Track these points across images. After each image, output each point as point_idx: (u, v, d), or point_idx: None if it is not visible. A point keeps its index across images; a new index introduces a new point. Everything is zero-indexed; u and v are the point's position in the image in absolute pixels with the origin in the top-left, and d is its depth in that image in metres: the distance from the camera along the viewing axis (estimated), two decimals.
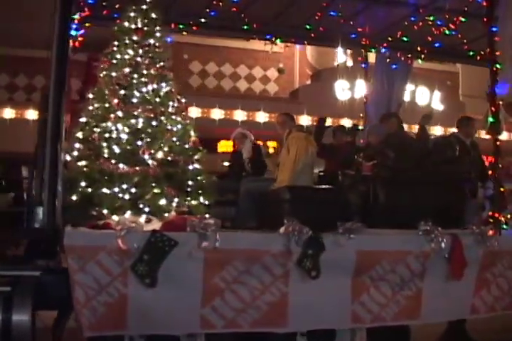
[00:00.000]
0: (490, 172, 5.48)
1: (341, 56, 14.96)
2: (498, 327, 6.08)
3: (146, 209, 4.77)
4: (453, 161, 5.80)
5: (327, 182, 5.94)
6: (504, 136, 16.43)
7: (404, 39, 6.79)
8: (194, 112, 13.94)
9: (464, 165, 5.93)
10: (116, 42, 5.09)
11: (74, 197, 4.71)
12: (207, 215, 4.92)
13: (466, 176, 5.65)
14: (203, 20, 5.92)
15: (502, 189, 5.54)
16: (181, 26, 6.02)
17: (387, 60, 7.23)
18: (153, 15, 5.17)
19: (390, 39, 6.95)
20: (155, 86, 4.91)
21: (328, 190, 5.59)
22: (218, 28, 6.30)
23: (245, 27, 6.16)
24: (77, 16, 5.33)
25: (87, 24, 5.41)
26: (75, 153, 4.82)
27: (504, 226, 5.58)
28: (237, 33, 6.58)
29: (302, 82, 17.96)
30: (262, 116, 14.41)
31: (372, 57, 7.71)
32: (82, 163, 4.76)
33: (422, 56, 6.91)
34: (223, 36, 7.35)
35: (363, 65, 7.59)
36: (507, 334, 5.97)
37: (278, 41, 6.39)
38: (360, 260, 4.95)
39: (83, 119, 4.95)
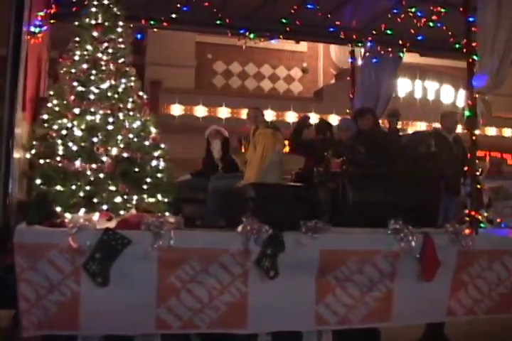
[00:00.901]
0: (466, 168, 5.25)
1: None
2: (480, 331, 5.84)
3: (104, 207, 4.69)
4: (427, 157, 5.56)
5: (303, 180, 5.79)
6: (508, 132, 16.06)
7: (388, 32, 6.59)
8: (223, 112, 13.89)
9: (439, 161, 5.69)
10: (77, 39, 5.02)
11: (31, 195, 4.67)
12: (167, 213, 4.81)
13: (441, 173, 5.41)
14: (174, 15, 5.83)
15: (479, 186, 5.31)
16: (152, 22, 5.95)
17: (368, 54, 6.99)
18: (115, 11, 5.07)
19: (374, 32, 6.75)
20: (113, 82, 4.82)
21: (296, 187, 5.44)
22: (190, 24, 6.20)
23: (218, 22, 6.05)
24: (42, 13, 5.29)
25: (51, 21, 5.37)
26: (34, 151, 4.77)
27: (482, 225, 5.34)
28: (210, 29, 6.47)
29: (326, 81, 17.76)
30: (291, 116, 14.17)
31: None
32: (41, 160, 4.71)
33: (404, 49, 6.68)
34: (196, 31, 7.20)
35: (350, 60, 7.40)
36: (488, 338, 5.74)
37: (252, 36, 6.26)
38: (324, 260, 4.79)
39: (45, 116, 4.91)
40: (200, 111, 13.50)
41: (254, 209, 5.07)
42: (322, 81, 17.90)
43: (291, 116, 14.22)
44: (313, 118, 14.33)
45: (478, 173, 5.54)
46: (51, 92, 4.97)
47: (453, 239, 5.09)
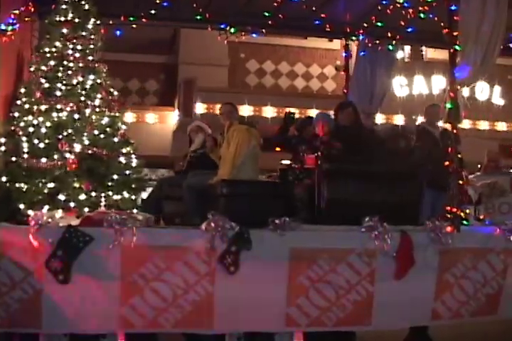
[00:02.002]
0: (447, 163, 5.03)
1: (399, 52, 14.50)
2: (466, 334, 5.60)
3: (72, 204, 4.66)
4: (407, 152, 5.34)
5: (286, 177, 5.65)
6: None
7: (379, 24, 6.39)
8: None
9: (421, 157, 5.45)
10: (47, 36, 5.01)
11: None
12: (134, 210, 4.76)
13: (422, 168, 5.18)
14: (152, 11, 5.77)
15: (461, 182, 5.08)
16: (132, 19, 5.90)
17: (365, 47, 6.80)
18: (87, 7, 5.04)
19: (365, 25, 6.56)
20: (81, 79, 4.78)
21: (269, 184, 5.30)
22: (170, 19, 6.13)
23: (198, 17, 5.95)
24: (16, 12, 5.30)
25: (26, 19, 5.37)
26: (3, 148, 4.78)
27: (464, 222, 5.11)
28: (190, 24, 6.38)
29: None
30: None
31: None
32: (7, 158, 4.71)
33: (394, 42, 6.47)
34: (176, 26, 7.11)
35: (344, 54, 7.21)
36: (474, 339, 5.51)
37: (232, 30, 6.14)
38: (294, 258, 4.64)
39: (16, 114, 4.91)
40: None
41: (225, 206, 4.97)
42: None
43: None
44: None
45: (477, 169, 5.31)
46: (22, 90, 4.96)
47: (433, 237, 4.88)
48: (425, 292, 4.94)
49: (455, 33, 5.10)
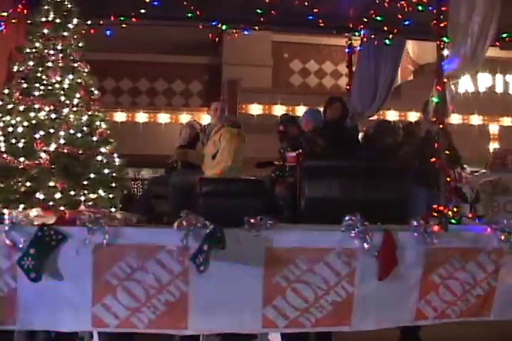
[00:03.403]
0: (433, 159, 4.83)
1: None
2: (458, 336, 5.39)
3: (51, 203, 4.69)
4: (395, 149, 5.14)
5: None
6: None
7: (378, 19, 6.22)
8: (302, 111, 13.72)
9: (405, 153, 5.25)
10: (30, 37, 5.06)
11: None
12: (113, 209, 4.76)
13: (411, 166, 4.99)
14: (142, 11, 5.76)
15: (448, 179, 4.88)
16: (122, 18, 5.90)
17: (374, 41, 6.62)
18: (68, 8, 5.07)
19: (365, 20, 6.40)
20: (59, 78, 4.80)
21: (251, 182, 5.18)
22: (161, 18, 6.10)
23: (189, 15, 5.91)
24: (4, 14, 5.37)
25: (13, 20, 5.44)
26: None
27: (452, 221, 4.90)
28: (181, 22, 6.34)
29: (404, 77, 17.19)
30: None
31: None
32: None
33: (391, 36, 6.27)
34: (166, 26, 7.09)
35: (347, 50, 7.04)
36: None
37: (224, 27, 6.06)
38: (270, 258, 4.55)
39: None
40: (279, 110, 13.37)
41: (205, 205, 4.91)
42: (400, 78, 17.35)
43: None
44: (392, 115, 14.02)
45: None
46: (6, 90, 5.02)
47: (418, 236, 4.71)
48: (409, 292, 4.77)
49: (442, 24, 4.90)
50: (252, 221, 4.51)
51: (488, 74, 14.04)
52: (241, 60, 13.79)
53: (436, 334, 5.26)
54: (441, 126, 4.81)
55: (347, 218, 4.61)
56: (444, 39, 4.92)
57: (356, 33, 6.91)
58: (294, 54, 15.62)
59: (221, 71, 14.14)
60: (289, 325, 4.60)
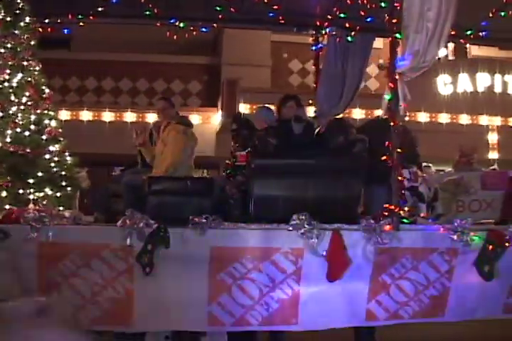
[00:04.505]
0: (384, 158, 4.76)
1: (443, 50, 14.07)
2: (414, 337, 5.33)
3: None
4: (347, 146, 5.06)
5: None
6: None
7: (342, 16, 6.16)
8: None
9: (358, 150, 5.16)
10: None
11: None
12: (60, 207, 4.75)
13: (359, 164, 4.92)
14: (100, 9, 5.74)
15: (400, 178, 4.81)
16: (80, 16, 5.87)
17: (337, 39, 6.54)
18: (21, 6, 5.07)
19: (329, 17, 6.34)
20: (7, 76, 4.80)
21: (201, 180, 5.16)
22: (119, 16, 6.06)
23: (147, 13, 5.88)
24: None
25: None
26: None
27: (405, 221, 4.83)
28: (139, 20, 6.30)
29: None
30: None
31: None
32: None
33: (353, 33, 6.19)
34: (125, 23, 7.05)
35: (313, 48, 6.96)
36: None
37: (181, 25, 6.03)
38: (215, 257, 4.53)
39: None
40: None
41: (153, 203, 4.89)
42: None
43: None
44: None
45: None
46: None
47: (368, 235, 4.66)
48: (358, 292, 4.72)
49: (394, 21, 4.84)
50: (197, 220, 4.49)
51: (487, 74, 13.94)
52: (240, 60, 13.76)
53: (392, 336, 5.19)
54: (392, 123, 4.75)
55: (294, 217, 4.59)
56: (397, 35, 4.85)
57: (322, 31, 6.83)
58: (293, 54, 15.54)
59: (220, 71, 14.11)
60: (236, 322, 4.58)
